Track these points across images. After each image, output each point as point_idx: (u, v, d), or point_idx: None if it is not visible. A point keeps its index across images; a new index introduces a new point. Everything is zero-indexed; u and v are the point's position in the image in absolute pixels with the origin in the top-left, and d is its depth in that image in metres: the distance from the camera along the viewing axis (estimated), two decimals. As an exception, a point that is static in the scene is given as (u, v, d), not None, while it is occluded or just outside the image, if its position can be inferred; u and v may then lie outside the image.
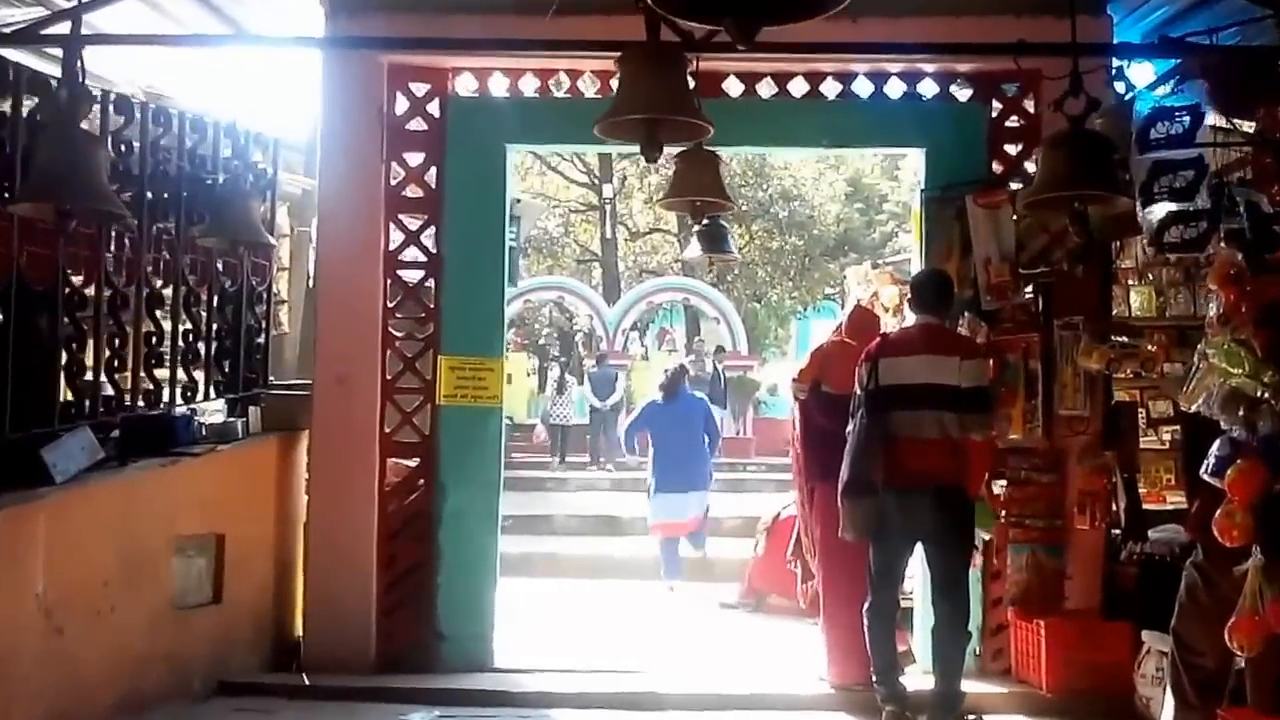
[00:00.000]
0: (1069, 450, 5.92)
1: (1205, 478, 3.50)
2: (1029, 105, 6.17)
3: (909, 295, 5.65)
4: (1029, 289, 6.00)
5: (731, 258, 7.01)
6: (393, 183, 6.33)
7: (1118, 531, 5.88)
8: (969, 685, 5.40)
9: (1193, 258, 6.71)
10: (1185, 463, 4.30)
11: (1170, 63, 4.41)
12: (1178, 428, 6.91)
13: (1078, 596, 5.88)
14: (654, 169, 22.48)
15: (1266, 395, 3.28)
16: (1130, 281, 6.85)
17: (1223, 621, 4.15)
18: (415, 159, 6.36)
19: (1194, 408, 3.54)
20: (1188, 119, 3.41)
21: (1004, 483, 5.99)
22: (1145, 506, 5.92)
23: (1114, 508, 5.85)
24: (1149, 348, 5.63)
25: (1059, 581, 5.92)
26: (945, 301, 5.44)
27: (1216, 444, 3.51)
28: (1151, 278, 6.96)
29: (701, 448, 9.83)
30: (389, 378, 6.25)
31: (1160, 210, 3.49)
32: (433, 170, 6.32)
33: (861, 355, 5.44)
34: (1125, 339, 5.78)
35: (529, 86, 6.35)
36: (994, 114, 6.25)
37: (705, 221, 6.21)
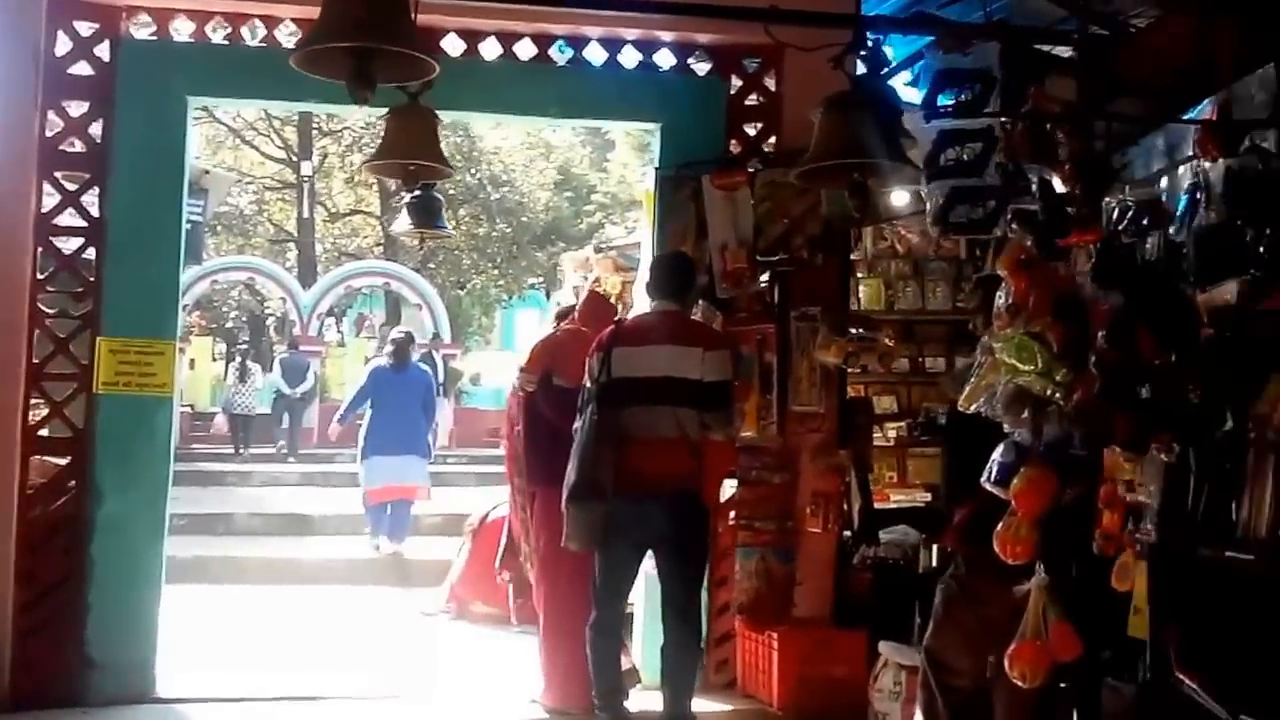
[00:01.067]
0: (802, 448, 5.61)
1: (987, 486, 3.17)
2: (770, 83, 5.83)
3: (647, 280, 5.12)
4: (765, 277, 5.66)
5: (445, 233, 6.29)
6: (49, 134, 5.38)
7: (849, 534, 5.63)
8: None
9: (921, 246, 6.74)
10: (947, 467, 4.01)
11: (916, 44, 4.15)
12: (904, 424, 6.86)
13: (808, 604, 5.58)
14: (357, 146, 21.37)
15: (1056, 395, 2.98)
16: (859, 274, 6.68)
17: (984, 641, 3.90)
18: (78, 109, 5.43)
19: (974, 408, 3.21)
20: (979, 86, 3.04)
21: (734, 483, 5.61)
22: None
23: (846, 509, 5.60)
24: (886, 341, 5.41)
25: (789, 588, 5.60)
26: (687, 287, 4.95)
27: (1000, 449, 3.20)
28: (880, 270, 6.82)
29: (421, 418, 9.63)
30: (36, 361, 5.32)
31: (945, 186, 3.11)
32: (99, 123, 5.40)
33: (594, 344, 4.87)
34: (862, 331, 5.53)
35: (217, 33, 5.58)
36: (733, 90, 5.87)
37: (417, 191, 5.48)
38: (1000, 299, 3.13)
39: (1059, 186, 3.05)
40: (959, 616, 3.89)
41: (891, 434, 6.78)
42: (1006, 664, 3.15)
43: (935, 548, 5.55)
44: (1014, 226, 3.09)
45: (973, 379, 3.20)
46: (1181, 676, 2.87)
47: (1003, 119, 3.25)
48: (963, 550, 3.85)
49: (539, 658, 5.39)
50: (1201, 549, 2.94)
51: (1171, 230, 3.18)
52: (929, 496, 6.61)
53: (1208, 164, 3.03)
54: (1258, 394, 2.79)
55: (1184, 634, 2.94)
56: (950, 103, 3.03)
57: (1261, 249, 2.94)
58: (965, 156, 3.12)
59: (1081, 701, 3.97)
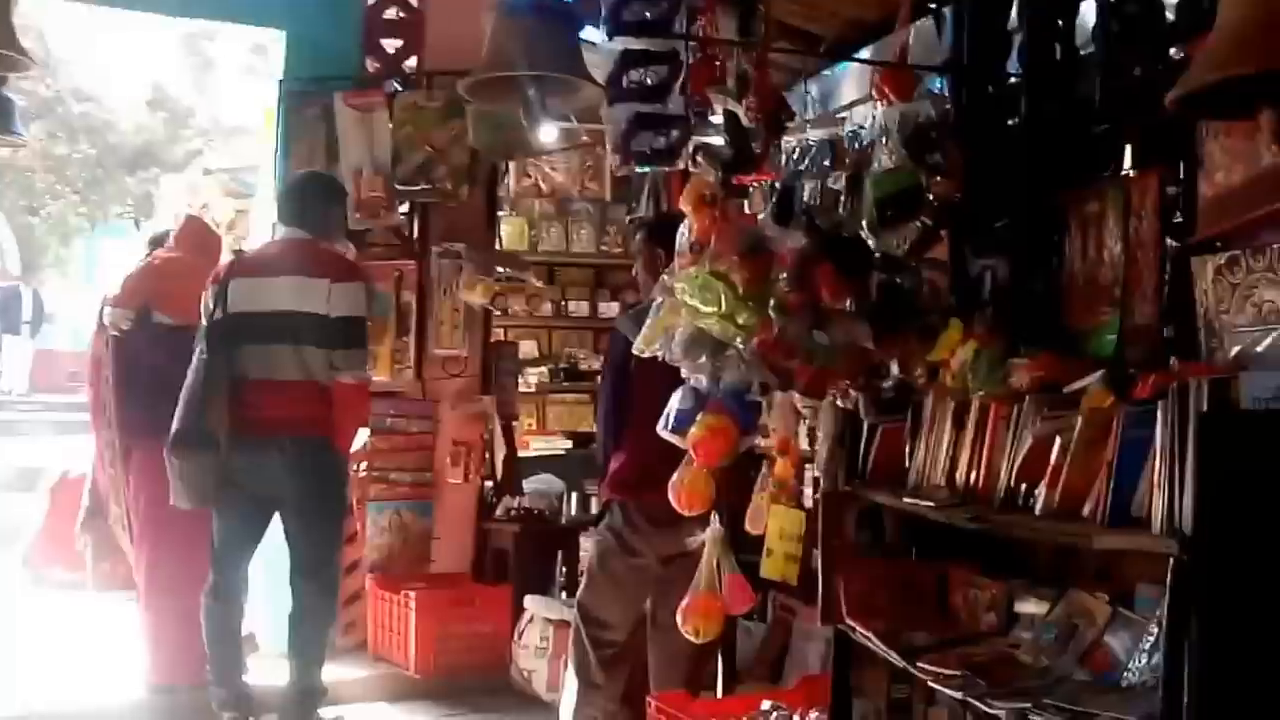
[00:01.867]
0: (442, 395, 5.26)
1: (664, 434, 2.97)
2: (413, -3, 5.34)
3: (277, 203, 4.51)
4: (405, 208, 5.22)
5: (19, 140, 5.27)
6: None
7: (491, 485, 5.36)
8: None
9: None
10: (606, 413, 3.80)
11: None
12: (545, 369, 6.65)
13: (447, 559, 5.27)
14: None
15: (738, 339, 2.82)
16: (502, 211, 6.35)
17: (637, 593, 3.76)
18: None
19: (650, 351, 2.99)
20: (665, 4, 2.79)
21: (367, 433, 5.16)
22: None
23: (489, 458, 5.31)
24: (535, 282, 5.13)
25: (426, 543, 5.26)
26: (324, 212, 4.36)
27: (678, 395, 3.00)
28: (523, 209, 6.53)
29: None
30: None
31: (629, 111, 2.85)
32: None
33: (210, 277, 4.23)
34: (510, 272, 5.22)
35: None
36: (371, 1, 5.33)
37: (-13, 87, 4.50)
38: (682, 237, 2.93)
39: (745, 119, 2.88)
40: (614, 568, 3.72)
41: (533, 379, 6.55)
42: (680, 619, 2.98)
43: (577, 497, 5.41)
44: (698, 160, 2.89)
45: (650, 321, 2.98)
46: (852, 623, 2.83)
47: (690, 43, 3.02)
48: (626, 498, 3.67)
49: (142, 631, 4.70)
50: (873, 495, 2.91)
51: (847, 173, 3.11)
52: (569, 444, 6.49)
53: (883, 107, 2.97)
54: (930, 341, 2.77)
55: (851, 581, 2.91)
56: (634, 19, 2.76)
57: (931, 197, 2.92)
58: (649, 80, 2.87)
59: (726, 645, 3.96)
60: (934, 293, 2.97)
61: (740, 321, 2.84)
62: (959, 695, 2.40)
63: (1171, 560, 1.86)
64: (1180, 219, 2.44)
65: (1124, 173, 2.73)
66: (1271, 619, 1.85)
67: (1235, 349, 2.15)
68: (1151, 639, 2.19)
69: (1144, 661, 2.22)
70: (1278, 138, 2.14)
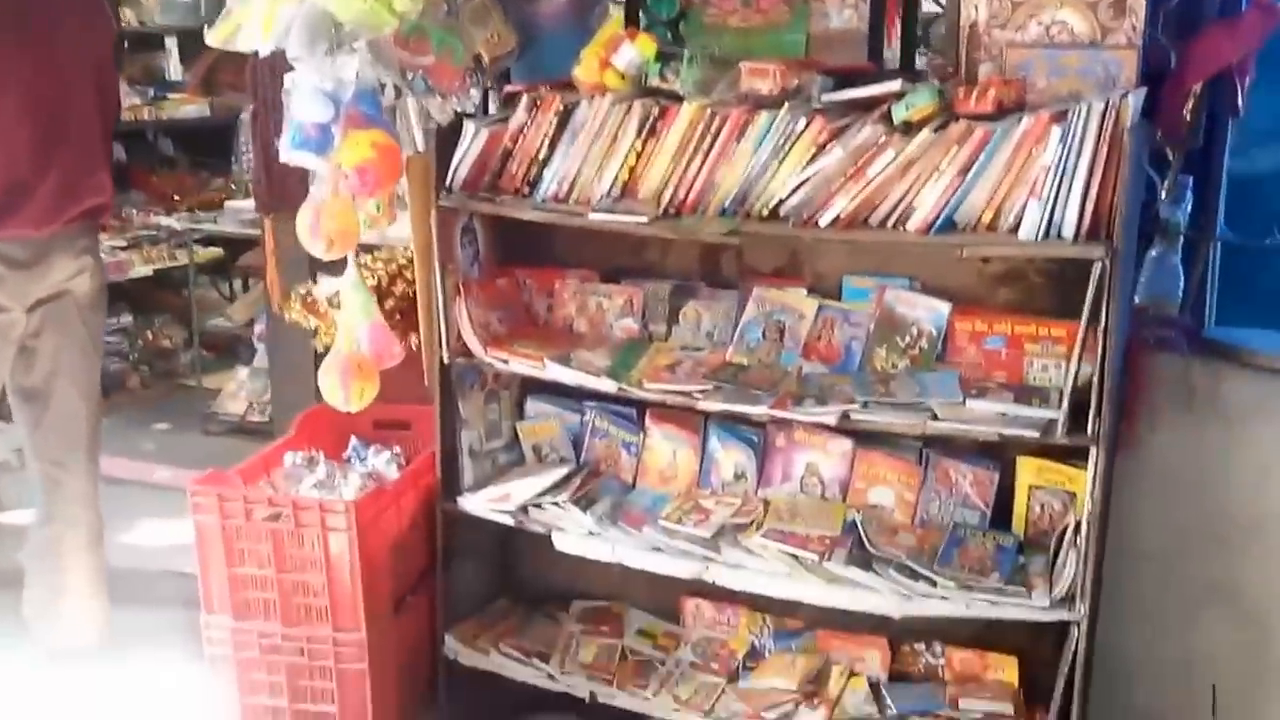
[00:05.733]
0: None
1: (290, 155, 2.08)
2: None
3: None
4: None
5: None
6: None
7: None
8: None
9: None
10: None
11: None
12: None
13: None
14: None
15: (386, 29, 2.07)
16: None
17: None
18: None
19: (267, 46, 1.99)
20: None
21: None
22: None
23: None
24: None
25: None
26: None
27: (295, 103, 2.06)
28: None
29: None
30: None
31: None
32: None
33: None
34: None
35: None
36: None
37: None
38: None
39: None
40: None
41: None
42: (329, 388, 2.33)
43: None
44: None
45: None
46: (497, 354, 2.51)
47: None
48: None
49: None
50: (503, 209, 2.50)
51: None
52: None
53: None
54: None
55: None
56: None
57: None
58: None
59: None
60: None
61: (398, 7, 2.12)
62: (725, 407, 2.39)
63: (1099, 264, 2.10)
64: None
65: None
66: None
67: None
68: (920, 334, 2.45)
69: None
70: None
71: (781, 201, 2.35)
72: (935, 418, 2.28)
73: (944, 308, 2.48)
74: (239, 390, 5.16)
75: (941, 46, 2.59)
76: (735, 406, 2.39)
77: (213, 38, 2.16)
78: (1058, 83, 2.33)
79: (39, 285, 2.90)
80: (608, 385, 2.47)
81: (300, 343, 3.48)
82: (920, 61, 2.61)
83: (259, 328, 4.97)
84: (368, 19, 2.11)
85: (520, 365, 2.52)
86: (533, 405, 2.84)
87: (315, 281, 3.02)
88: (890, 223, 2.30)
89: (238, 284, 6.06)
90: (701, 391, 2.41)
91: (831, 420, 2.32)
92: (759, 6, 2.55)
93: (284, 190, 3.27)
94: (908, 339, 2.50)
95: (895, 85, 2.29)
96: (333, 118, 2.14)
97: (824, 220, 2.30)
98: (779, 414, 2.34)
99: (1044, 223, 2.17)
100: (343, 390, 2.31)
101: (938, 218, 2.25)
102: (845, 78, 2.42)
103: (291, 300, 3.00)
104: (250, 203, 4.53)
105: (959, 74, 2.40)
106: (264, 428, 4.78)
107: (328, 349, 2.48)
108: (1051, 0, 2.32)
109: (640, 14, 2.70)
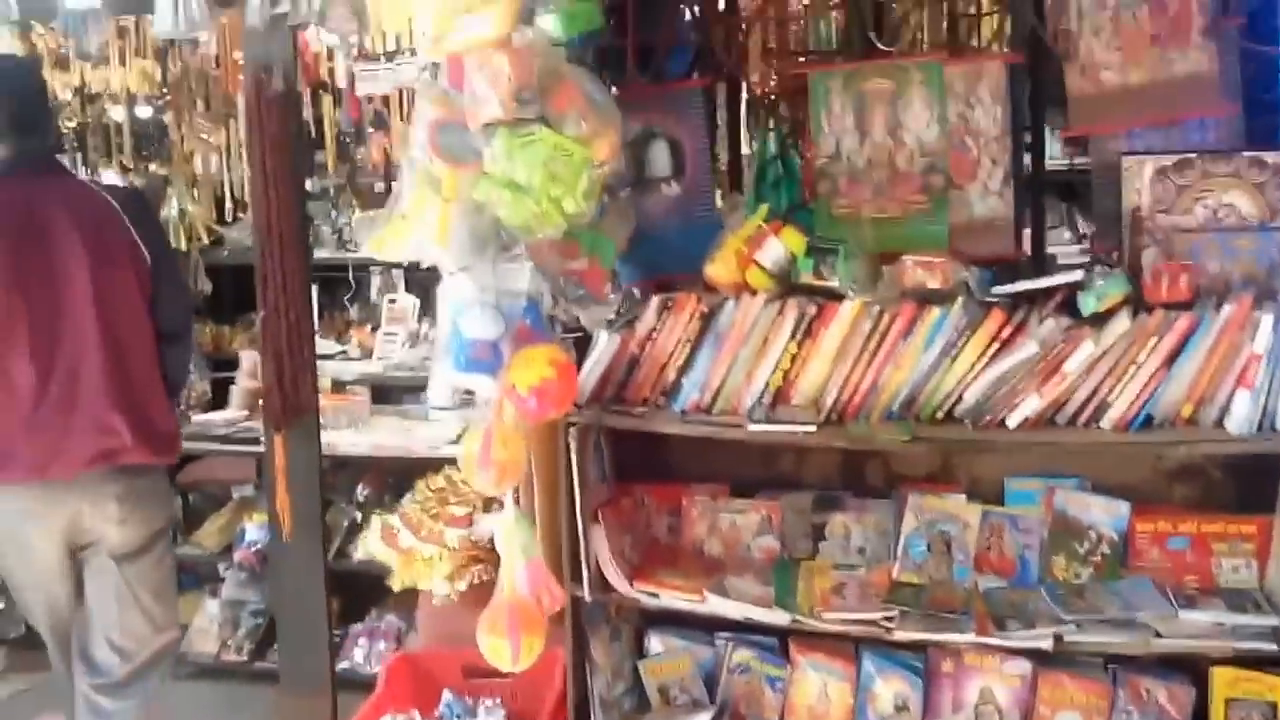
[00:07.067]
0: None
1: (458, 378, 1.81)
2: None
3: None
4: None
5: None
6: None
7: None
8: None
9: None
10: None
11: None
12: None
13: None
14: None
15: (543, 232, 1.85)
16: None
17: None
18: None
19: (408, 257, 1.75)
20: None
21: None
22: None
23: None
24: None
25: None
26: None
27: (464, 320, 1.81)
28: None
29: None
30: None
31: None
32: None
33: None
34: None
35: None
36: None
37: None
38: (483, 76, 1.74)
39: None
40: None
41: None
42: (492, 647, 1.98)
43: None
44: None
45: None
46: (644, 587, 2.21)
47: None
48: None
49: None
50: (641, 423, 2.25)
51: None
52: None
53: None
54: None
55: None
56: None
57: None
58: None
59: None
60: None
61: (569, 209, 1.91)
62: (923, 637, 2.13)
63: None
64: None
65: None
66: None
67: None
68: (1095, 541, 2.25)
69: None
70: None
71: (956, 402, 2.18)
72: (1158, 635, 2.07)
73: (1124, 509, 2.29)
74: (210, 625, 4.66)
75: (1100, 233, 2.48)
76: (936, 635, 2.14)
77: (370, 247, 1.91)
78: (1231, 266, 2.23)
79: (73, 531, 2.59)
80: (779, 618, 2.19)
81: (304, 568, 3.10)
82: (1061, 251, 2.51)
83: (238, 554, 4.54)
84: (538, 223, 1.89)
85: (673, 599, 2.23)
86: (657, 640, 2.52)
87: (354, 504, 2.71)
88: (1081, 421, 2.13)
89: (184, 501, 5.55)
90: (888, 619, 2.15)
91: (1047, 645, 2.08)
92: (895, 195, 2.42)
93: (298, 403, 2.98)
94: (1086, 545, 2.30)
95: (1077, 275, 2.16)
96: (502, 333, 1.88)
97: (1012, 421, 2.13)
98: (985, 640, 2.09)
99: (1260, 415, 2.03)
100: (511, 647, 1.95)
101: (1138, 414, 2.10)
102: (997, 268, 2.30)
103: (368, 531, 2.66)
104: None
105: (1122, 261, 2.29)
106: (243, 668, 4.31)
107: (405, 590, 2.15)
108: (1219, 183, 2.25)
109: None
